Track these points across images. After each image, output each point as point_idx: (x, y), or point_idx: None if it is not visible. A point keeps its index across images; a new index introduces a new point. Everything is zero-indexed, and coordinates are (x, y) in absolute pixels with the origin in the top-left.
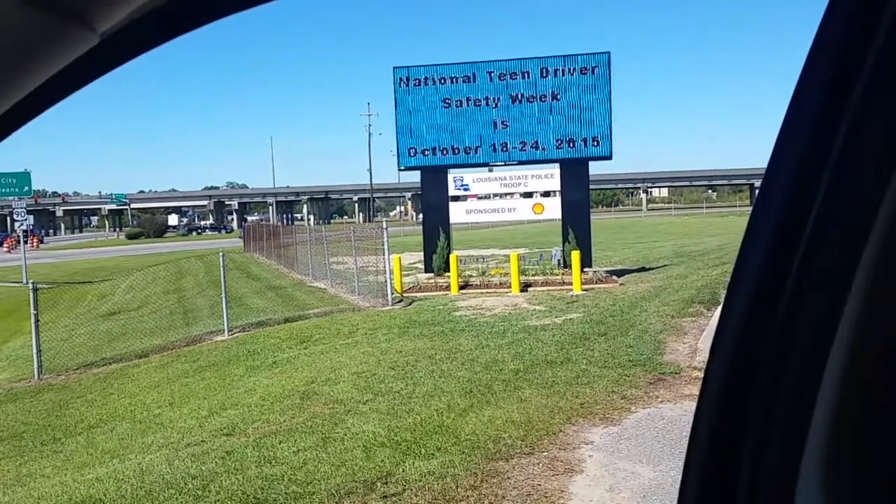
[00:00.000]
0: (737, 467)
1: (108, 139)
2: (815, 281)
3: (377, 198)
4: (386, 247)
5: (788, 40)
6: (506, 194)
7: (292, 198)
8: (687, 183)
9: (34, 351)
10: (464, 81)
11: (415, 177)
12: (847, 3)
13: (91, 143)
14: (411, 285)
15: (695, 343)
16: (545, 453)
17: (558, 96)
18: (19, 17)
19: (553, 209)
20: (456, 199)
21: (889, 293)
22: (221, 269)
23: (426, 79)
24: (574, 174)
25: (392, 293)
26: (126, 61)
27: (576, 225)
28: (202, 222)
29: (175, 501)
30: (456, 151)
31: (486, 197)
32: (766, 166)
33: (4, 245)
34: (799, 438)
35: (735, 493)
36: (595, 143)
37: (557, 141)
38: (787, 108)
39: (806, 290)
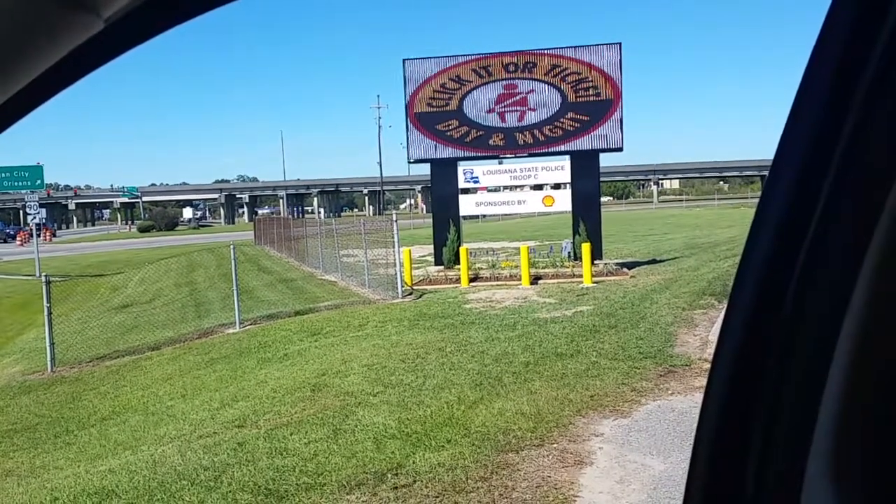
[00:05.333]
0: (742, 467)
1: (120, 132)
2: (818, 280)
3: (387, 190)
4: (396, 239)
5: (801, 29)
6: (516, 187)
7: (303, 191)
8: (698, 174)
9: (47, 343)
10: (474, 73)
11: (425, 169)
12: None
13: (103, 137)
14: (421, 278)
15: (706, 335)
16: (555, 445)
17: (569, 87)
18: (23, 3)
19: (563, 201)
20: (466, 191)
21: (893, 292)
22: (233, 262)
23: (436, 70)
24: (584, 166)
25: (402, 286)
26: (131, 48)
27: (586, 217)
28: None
29: (187, 492)
30: (466, 144)
31: (496, 189)
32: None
33: (17, 238)
34: (804, 437)
35: (743, 491)
36: (605, 135)
37: (568, 133)
38: (790, 110)
39: (809, 289)
